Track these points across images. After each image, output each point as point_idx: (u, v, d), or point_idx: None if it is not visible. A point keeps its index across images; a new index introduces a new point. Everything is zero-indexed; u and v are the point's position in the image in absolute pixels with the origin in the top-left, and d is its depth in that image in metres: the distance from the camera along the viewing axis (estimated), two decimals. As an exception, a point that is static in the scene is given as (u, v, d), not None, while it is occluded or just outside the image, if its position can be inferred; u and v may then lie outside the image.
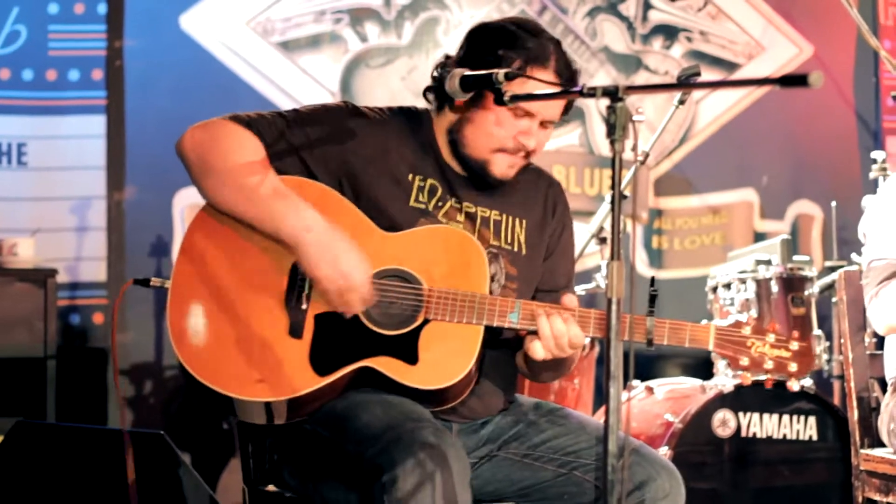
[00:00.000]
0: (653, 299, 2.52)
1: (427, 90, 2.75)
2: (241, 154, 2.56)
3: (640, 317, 2.53)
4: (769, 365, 2.54)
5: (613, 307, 2.04)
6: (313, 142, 2.63)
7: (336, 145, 2.64)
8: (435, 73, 2.72)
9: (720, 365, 4.62)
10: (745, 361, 2.55)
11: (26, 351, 4.87)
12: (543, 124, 2.67)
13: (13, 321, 4.88)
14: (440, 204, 2.69)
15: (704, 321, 4.73)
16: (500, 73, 2.41)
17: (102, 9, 5.52)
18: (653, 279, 2.52)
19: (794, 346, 2.54)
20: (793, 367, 2.54)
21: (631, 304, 2.43)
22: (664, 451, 4.19)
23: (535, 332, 2.57)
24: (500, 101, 2.40)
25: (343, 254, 2.51)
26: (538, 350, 2.56)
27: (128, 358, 5.38)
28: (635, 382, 4.75)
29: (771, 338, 2.54)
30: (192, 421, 5.42)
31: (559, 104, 2.68)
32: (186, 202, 5.45)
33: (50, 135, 5.43)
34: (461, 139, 2.67)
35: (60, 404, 4.91)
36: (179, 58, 5.54)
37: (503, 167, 2.68)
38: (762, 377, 4.32)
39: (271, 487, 2.75)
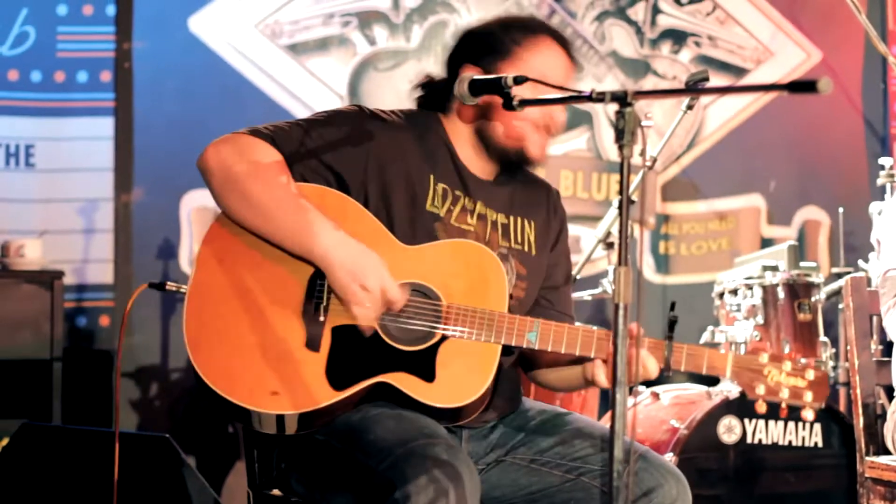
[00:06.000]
0: (672, 324, 2.50)
1: (427, 97, 2.78)
2: (263, 172, 2.54)
3: (658, 341, 2.51)
4: (784, 394, 2.51)
5: (620, 312, 2.04)
6: (334, 146, 2.61)
7: (355, 148, 2.62)
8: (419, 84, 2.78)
9: (726, 371, 4.61)
10: (761, 390, 2.52)
11: (32, 353, 4.87)
12: None
13: (20, 323, 4.88)
14: (452, 207, 2.68)
15: (710, 328, 4.74)
16: (510, 77, 2.42)
17: (111, 10, 5.52)
18: (673, 304, 2.49)
19: (811, 375, 2.51)
20: (808, 396, 2.50)
21: (637, 310, 2.42)
22: (669, 458, 4.18)
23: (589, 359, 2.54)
24: (508, 106, 2.40)
25: (371, 271, 2.48)
26: (603, 380, 2.54)
27: (134, 360, 5.38)
28: (641, 388, 4.74)
29: (787, 366, 2.51)
30: (198, 424, 5.42)
31: (572, 72, 2.71)
32: (194, 204, 5.45)
33: (58, 136, 5.44)
34: (492, 135, 2.69)
35: (66, 406, 4.91)
36: (188, 60, 5.54)
37: (538, 149, 2.70)
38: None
39: (276, 492, 2.74)
